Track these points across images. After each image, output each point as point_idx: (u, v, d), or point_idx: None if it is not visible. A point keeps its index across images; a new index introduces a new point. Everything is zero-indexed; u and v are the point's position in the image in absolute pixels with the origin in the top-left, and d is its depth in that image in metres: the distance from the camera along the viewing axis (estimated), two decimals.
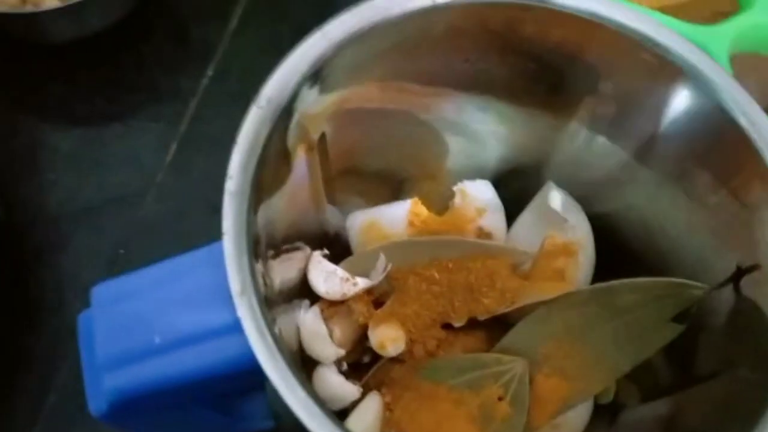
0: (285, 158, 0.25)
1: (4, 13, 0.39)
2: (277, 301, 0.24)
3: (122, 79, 0.44)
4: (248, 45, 0.45)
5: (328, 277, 0.26)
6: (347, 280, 0.26)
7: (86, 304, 0.23)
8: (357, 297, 0.26)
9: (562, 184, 0.29)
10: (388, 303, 0.26)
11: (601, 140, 0.28)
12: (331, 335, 0.26)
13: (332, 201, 0.29)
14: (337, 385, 0.26)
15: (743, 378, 0.24)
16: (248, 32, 0.45)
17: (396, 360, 0.27)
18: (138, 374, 0.21)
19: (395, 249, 0.27)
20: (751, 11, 0.37)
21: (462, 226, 0.28)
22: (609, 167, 0.29)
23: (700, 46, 0.25)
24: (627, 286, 0.26)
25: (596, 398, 0.28)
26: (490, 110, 0.29)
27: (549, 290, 0.27)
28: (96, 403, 0.22)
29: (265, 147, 0.23)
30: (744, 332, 0.25)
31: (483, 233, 0.29)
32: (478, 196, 0.29)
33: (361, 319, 0.26)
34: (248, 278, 0.21)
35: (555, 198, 0.29)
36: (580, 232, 0.29)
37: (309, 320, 0.26)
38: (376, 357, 0.27)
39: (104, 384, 0.22)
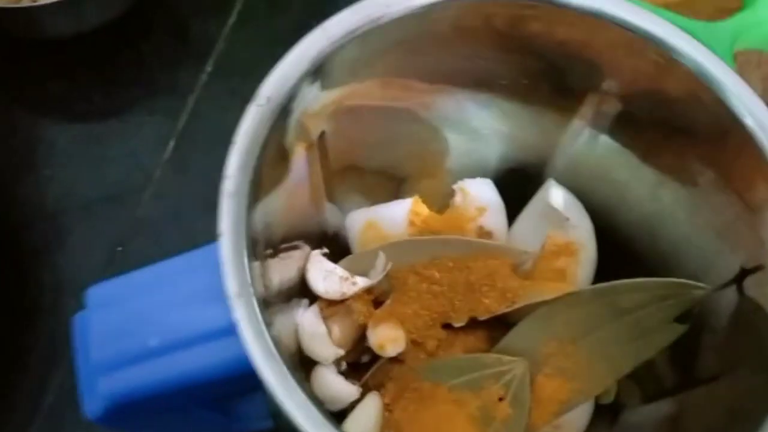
0: (284, 157, 0.25)
1: (1, 7, 0.39)
2: (275, 301, 0.24)
3: (121, 75, 0.43)
4: (248, 41, 0.45)
5: (327, 276, 0.26)
6: (346, 279, 0.26)
7: (83, 304, 0.23)
8: (356, 296, 0.26)
9: (564, 183, 0.29)
10: (388, 302, 0.26)
11: (605, 139, 0.28)
12: (330, 335, 0.26)
13: (332, 199, 0.29)
14: (336, 385, 0.26)
15: (746, 379, 0.24)
16: (248, 28, 0.45)
17: (396, 360, 0.27)
18: (134, 377, 0.21)
19: (395, 248, 0.27)
20: (755, 8, 0.37)
21: (462, 225, 0.28)
22: (612, 166, 0.29)
23: (703, 43, 0.25)
24: (629, 286, 0.26)
25: (597, 398, 0.28)
26: (492, 108, 0.29)
27: (550, 290, 0.27)
28: (91, 406, 0.22)
29: (264, 146, 0.22)
30: (747, 333, 0.25)
31: (484, 232, 0.29)
32: (479, 195, 0.29)
33: (361, 319, 0.26)
34: (245, 280, 0.20)
35: (556, 196, 0.28)
36: (582, 231, 0.29)
37: (308, 320, 0.26)
38: (375, 357, 0.27)
39: (99, 387, 0.22)
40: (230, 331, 0.20)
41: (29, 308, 0.37)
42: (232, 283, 0.20)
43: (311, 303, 0.26)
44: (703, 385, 0.26)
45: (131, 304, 0.22)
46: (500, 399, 0.26)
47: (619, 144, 0.28)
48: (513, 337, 0.27)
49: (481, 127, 0.29)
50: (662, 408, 0.27)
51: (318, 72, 0.24)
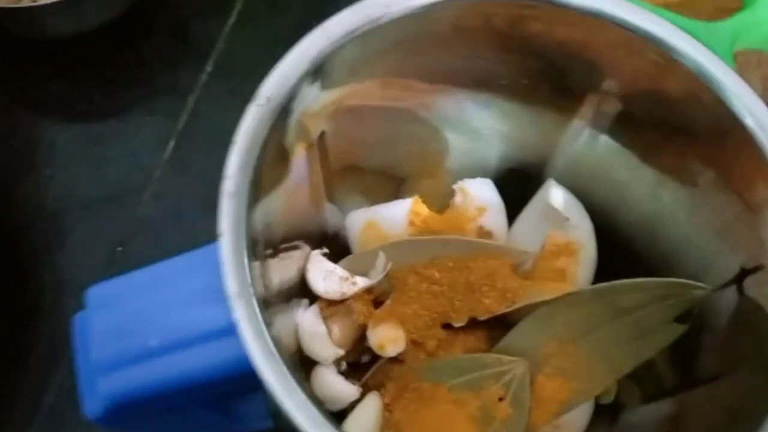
0: (284, 157, 0.25)
1: (1, 7, 0.39)
2: (275, 301, 0.23)
3: (121, 75, 0.43)
4: (248, 41, 0.45)
5: (327, 276, 0.26)
6: (346, 279, 0.26)
7: (83, 304, 0.23)
8: (356, 296, 0.26)
9: (564, 183, 0.29)
10: (388, 302, 0.26)
11: (605, 139, 0.28)
12: (330, 335, 0.26)
13: (332, 199, 0.29)
14: (336, 385, 0.26)
15: (746, 379, 0.24)
16: (248, 28, 0.45)
17: (396, 360, 0.27)
18: (134, 377, 0.21)
19: (395, 248, 0.27)
20: (755, 8, 0.37)
21: (462, 225, 0.28)
22: (612, 166, 0.29)
23: (703, 43, 0.25)
24: (629, 286, 0.26)
25: (597, 398, 0.28)
26: (492, 108, 0.29)
27: (550, 290, 0.27)
28: (91, 406, 0.22)
29: (264, 146, 0.22)
30: (747, 333, 0.25)
31: (484, 232, 0.28)
32: (479, 195, 0.29)
33: (361, 319, 0.26)
34: (245, 280, 0.20)
35: (556, 196, 0.28)
36: (582, 231, 0.28)
37: (308, 319, 0.26)
38: (375, 357, 0.27)
39: (99, 387, 0.21)
40: (230, 331, 0.20)
41: (29, 308, 0.37)
42: (232, 283, 0.20)
43: (311, 303, 0.26)
44: (703, 385, 0.26)
45: (131, 304, 0.22)
46: (500, 399, 0.26)
47: (619, 144, 0.28)
48: (513, 337, 0.27)
49: (481, 127, 0.29)
50: (662, 408, 0.27)
51: (318, 72, 0.24)
